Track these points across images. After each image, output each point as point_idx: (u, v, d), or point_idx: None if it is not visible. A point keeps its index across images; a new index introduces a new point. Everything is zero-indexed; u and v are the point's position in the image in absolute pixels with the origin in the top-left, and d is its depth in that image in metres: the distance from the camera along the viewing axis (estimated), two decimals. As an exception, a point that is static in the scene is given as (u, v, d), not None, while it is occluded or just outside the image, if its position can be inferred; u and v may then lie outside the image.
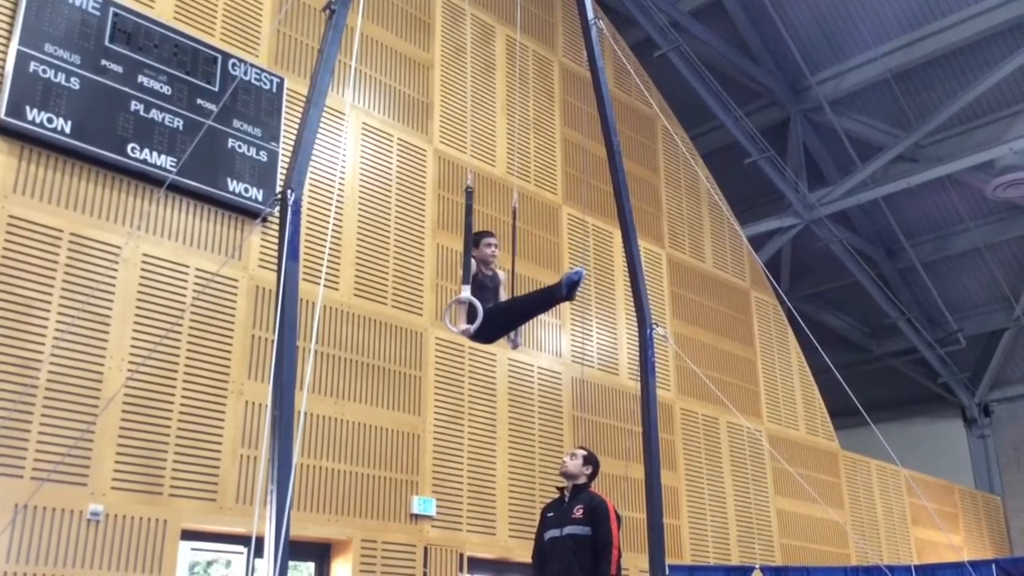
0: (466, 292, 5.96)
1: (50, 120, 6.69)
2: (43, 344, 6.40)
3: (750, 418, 12.32)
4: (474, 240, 6.24)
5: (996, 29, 13.61)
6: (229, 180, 7.65)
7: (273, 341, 4.83)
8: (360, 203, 8.73)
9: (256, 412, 7.38)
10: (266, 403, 5.92)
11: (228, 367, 7.36)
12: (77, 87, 6.91)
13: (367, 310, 8.46)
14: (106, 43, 7.16)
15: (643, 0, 12.97)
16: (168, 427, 6.89)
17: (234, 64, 7.94)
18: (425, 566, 8.13)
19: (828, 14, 14.24)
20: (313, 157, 6.33)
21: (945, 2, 13.69)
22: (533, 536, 6.41)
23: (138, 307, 6.97)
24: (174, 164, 7.19)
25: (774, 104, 15.56)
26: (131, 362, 6.74)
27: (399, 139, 9.29)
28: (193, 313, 7.22)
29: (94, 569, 6.28)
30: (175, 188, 7.20)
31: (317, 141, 5.90)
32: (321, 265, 7.20)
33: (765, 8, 14.28)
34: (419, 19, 9.94)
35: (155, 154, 7.23)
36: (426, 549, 8.21)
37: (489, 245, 6.33)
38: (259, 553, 4.31)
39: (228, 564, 7.69)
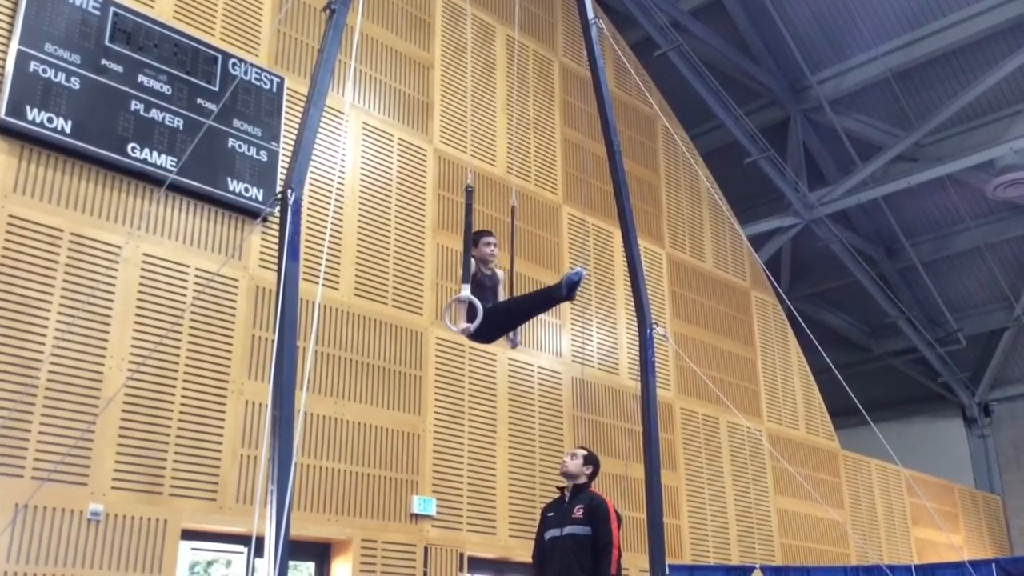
0: (466, 291, 5.96)
1: (50, 120, 6.69)
2: (43, 344, 6.40)
3: (750, 418, 12.32)
4: (473, 239, 6.25)
5: (996, 29, 13.61)
6: (229, 180, 7.65)
7: (273, 341, 4.83)
8: (360, 203, 8.73)
9: (256, 412, 7.38)
10: (266, 403, 5.92)
11: (228, 367, 7.36)
12: (77, 87, 6.91)
13: (367, 310, 8.46)
14: (106, 43, 7.16)
15: (643, 0, 12.98)
16: (168, 427, 6.89)
17: (234, 64, 7.94)
18: (425, 566, 8.13)
19: (828, 13, 14.24)
20: (313, 157, 6.33)
21: (945, 2, 13.68)
22: (533, 536, 6.41)
23: (138, 307, 6.97)
24: (174, 164, 7.19)
25: (774, 104, 15.56)
26: (131, 362, 6.74)
27: (399, 139, 9.29)
28: (193, 313, 7.22)
29: (94, 569, 6.28)
30: (175, 188, 7.20)
31: (317, 141, 5.89)
32: (321, 265, 7.20)
33: (765, 7, 14.28)
34: (419, 19, 9.94)
35: (155, 154, 7.23)
36: (426, 549, 8.21)
37: (488, 244, 6.32)
38: (259, 553, 4.31)
39: (228, 564, 7.69)
